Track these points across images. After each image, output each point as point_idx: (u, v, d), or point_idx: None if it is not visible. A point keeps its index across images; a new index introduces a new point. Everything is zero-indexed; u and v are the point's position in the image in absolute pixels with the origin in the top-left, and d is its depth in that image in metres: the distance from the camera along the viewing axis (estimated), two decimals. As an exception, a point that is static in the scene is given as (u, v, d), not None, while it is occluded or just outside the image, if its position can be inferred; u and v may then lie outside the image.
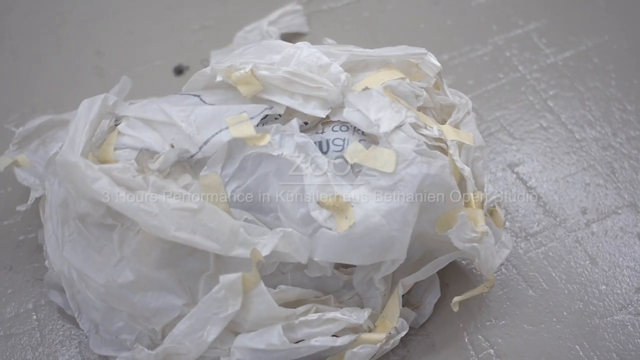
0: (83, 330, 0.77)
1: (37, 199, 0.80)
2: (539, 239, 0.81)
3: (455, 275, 0.78)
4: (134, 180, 0.67)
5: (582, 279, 0.79)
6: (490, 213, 0.74)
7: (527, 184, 0.86)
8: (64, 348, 0.76)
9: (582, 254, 0.80)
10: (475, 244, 0.70)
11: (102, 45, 1.00)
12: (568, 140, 0.89)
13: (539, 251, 0.80)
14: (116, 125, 0.73)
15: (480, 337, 0.75)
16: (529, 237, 0.81)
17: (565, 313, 0.76)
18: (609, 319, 0.76)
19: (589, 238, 0.82)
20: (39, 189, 0.79)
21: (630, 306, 0.77)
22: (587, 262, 0.80)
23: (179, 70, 0.97)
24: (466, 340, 0.75)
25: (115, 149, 0.70)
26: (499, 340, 0.75)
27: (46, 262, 0.76)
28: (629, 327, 0.76)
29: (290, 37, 0.99)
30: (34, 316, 0.78)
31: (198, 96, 0.73)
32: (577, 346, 0.75)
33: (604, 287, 0.78)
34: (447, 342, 0.75)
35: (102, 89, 0.95)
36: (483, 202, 0.72)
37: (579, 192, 0.85)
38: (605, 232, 0.82)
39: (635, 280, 0.79)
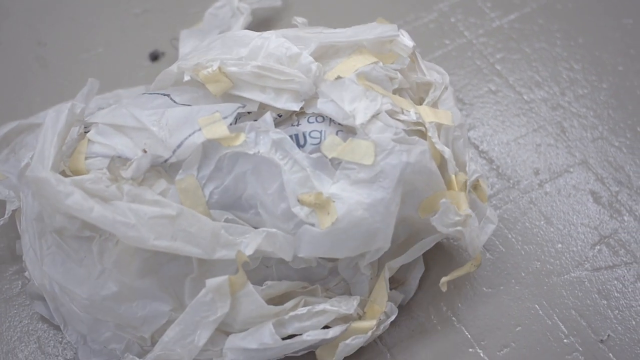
0: (41, 325, 0.76)
1: (14, 210, 0.78)
2: (494, 202, 0.82)
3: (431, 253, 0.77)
4: (107, 190, 0.65)
5: (538, 239, 0.79)
6: (474, 188, 0.74)
7: (479, 149, 0.86)
8: (22, 344, 0.75)
9: (536, 214, 0.81)
10: (459, 227, 0.70)
11: (43, 35, 0.98)
12: (517, 102, 0.90)
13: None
14: (85, 132, 0.71)
15: (441, 303, 0.76)
16: (483, 201, 0.81)
17: (523, 274, 0.77)
18: (566, 276, 0.77)
19: (542, 198, 0.82)
20: (15, 201, 0.77)
21: (586, 262, 0.78)
22: (542, 222, 0.80)
23: (155, 57, 0.95)
24: (429, 308, 0.75)
25: (86, 158, 0.68)
26: (459, 305, 0.75)
27: (26, 273, 0.74)
28: (585, 283, 0.77)
29: (263, 12, 0.97)
30: (-10, 314, 0.77)
31: (168, 95, 0.71)
32: (536, 305, 0.75)
33: (559, 245, 0.79)
34: (408, 310, 0.75)
35: (47, 80, 0.94)
36: (465, 182, 0.72)
37: (531, 153, 0.85)
38: (558, 191, 0.83)
39: (590, 236, 0.79)
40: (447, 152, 0.71)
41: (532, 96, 0.90)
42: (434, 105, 0.74)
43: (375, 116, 0.68)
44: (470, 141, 0.86)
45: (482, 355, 0.73)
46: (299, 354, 0.70)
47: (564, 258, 0.78)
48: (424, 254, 0.75)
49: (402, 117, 0.70)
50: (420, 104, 0.74)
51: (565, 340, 0.73)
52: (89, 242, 0.67)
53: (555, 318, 0.74)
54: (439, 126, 0.72)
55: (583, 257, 0.78)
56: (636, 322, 0.74)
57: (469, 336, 0.74)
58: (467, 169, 0.73)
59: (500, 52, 0.94)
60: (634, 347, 0.73)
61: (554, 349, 0.73)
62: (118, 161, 0.68)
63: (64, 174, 0.68)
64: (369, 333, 0.69)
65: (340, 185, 0.67)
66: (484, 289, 0.76)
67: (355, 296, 0.71)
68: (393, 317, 0.71)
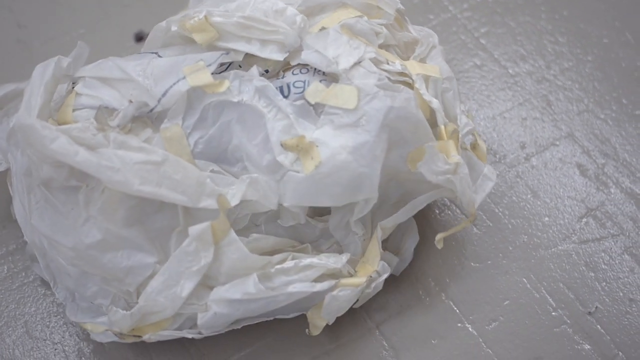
0: (28, 309, 0.76)
1: (4, 173, 0.78)
2: (480, 177, 0.82)
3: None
4: (94, 138, 0.65)
5: (525, 212, 0.79)
6: (473, 147, 0.74)
7: (465, 124, 0.86)
8: (9, 329, 0.75)
9: (523, 188, 0.81)
10: (449, 176, 0.69)
11: (23, 17, 0.97)
12: (502, 76, 0.89)
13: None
14: (74, 88, 0.71)
15: (429, 279, 0.75)
16: (470, 176, 0.81)
17: (510, 248, 0.77)
18: (553, 249, 0.77)
19: (529, 172, 0.82)
20: (2, 163, 0.77)
21: (573, 235, 0.78)
22: (529, 196, 0.80)
23: (140, 37, 0.94)
24: (417, 283, 0.75)
25: (73, 110, 0.69)
26: (447, 280, 0.75)
27: (25, 237, 0.74)
28: (573, 255, 0.77)
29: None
30: (-24, 300, 0.77)
31: (155, 53, 0.72)
32: (524, 279, 0.75)
33: (547, 218, 0.79)
34: (396, 286, 0.75)
35: (28, 62, 0.93)
36: (455, 132, 0.71)
37: (517, 127, 0.85)
38: (544, 164, 0.83)
39: (577, 209, 0.79)
40: (435, 102, 0.70)
41: (517, 70, 0.90)
42: (422, 61, 0.74)
43: (358, 63, 0.68)
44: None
45: (470, 329, 0.73)
46: (289, 315, 0.70)
47: (551, 231, 0.78)
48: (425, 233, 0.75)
49: (387, 67, 0.70)
50: None
51: (553, 313, 0.73)
52: (75, 192, 0.67)
53: (543, 291, 0.75)
54: (426, 78, 0.71)
55: (570, 230, 0.78)
56: (623, 294, 0.74)
57: (457, 311, 0.74)
58: (458, 122, 0.72)
59: (484, 26, 0.93)
60: (622, 319, 0.73)
61: (542, 322, 0.73)
62: (105, 111, 0.68)
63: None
64: (359, 289, 0.69)
65: (324, 130, 0.67)
66: (472, 263, 0.76)
67: (346, 253, 0.70)
68: (385, 276, 0.71)
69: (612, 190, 0.80)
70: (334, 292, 0.68)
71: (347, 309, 0.70)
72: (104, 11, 0.97)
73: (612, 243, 0.77)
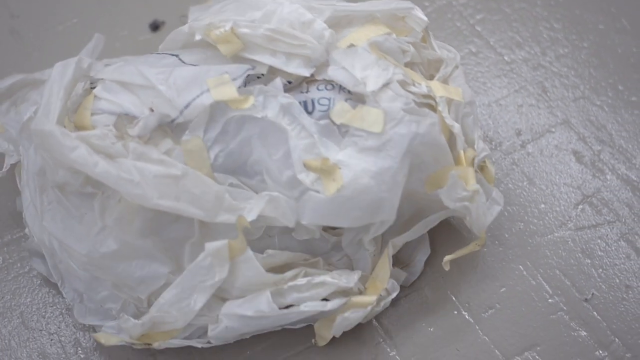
0: (23, 300, 0.76)
1: (13, 165, 0.77)
2: (476, 164, 0.81)
3: (441, 232, 0.77)
4: (113, 147, 0.65)
5: (521, 199, 0.79)
6: (481, 169, 0.74)
7: (461, 111, 0.85)
8: (5, 320, 0.75)
9: (519, 175, 0.81)
10: (467, 203, 0.69)
11: (16, 7, 0.97)
12: (498, 63, 0.89)
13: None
14: (92, 88, 0.70)
15: (425, 267, 0.75)
16: (466, 164, 0.81)
17: (506, 235, 0.77)
18: (549, 236, 0.77)
19: (525, 159, 0.82)
20: (14, 155, 0.76)
21: (569, 222, 0.78)
22: (525, 183, 0.80)
23: (155, 26, 0.94)
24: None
25: (92, 114, 0.68)
26: (443, 267, 0.75)
27: (26, 230, 0.74)
28: (569, 242, 0.77)
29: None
30: (-29, 291, 0.76)
31: (176, 56, 0.71)
32: (520, 266, 0.75)
33: (543, 205, 0.79)
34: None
35: (22, 53, 0.93)
36: (473, 159, 0.71)
37: (513, 114, 0.85)
38: (540, 151, 0.82)
39: (573, 196, 0.79)
40: (456, 127, 0.70)
41: (513, 57, 0.89)
42: (445, 81, 0.74)
43: (386, 85, 0.68)
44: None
45: (467, 317, 0.73)
46: (297, 326, 0.70)
47: (547, 218, 0.78)
48: (428, 234, 0.75)
49: (413, 89, 0.69)
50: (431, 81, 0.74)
51: (549, 300, 0.73)
52: (90, 198, 0.67)
53: (540, 278, 0.75)
54: (449, 101, 0.71)
55: (566, 216, 0.78)
56: (620, 280, 0.74)
57: (453, 298, 0.74)
58: (475, 146, 0.72)
59: (480, 13, 0.93)
60: (618, 305, 0.73)
61: (538, 309, 0.73)
62: (124, 119, 0.67)
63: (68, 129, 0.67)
64: (369, 308, 0.69)
65: (348, 152, 0.67)
66: (468, 251, 0.76)
67: (357, 270, 0.70)
68: (394, 295, 0.71)
69: (608, 177, 0.80)
70: (346, 314, 0.68)
71: (354, 325, 0.70)
72: (97, 0, 0.97)
73: (609, 230, 0.77)
